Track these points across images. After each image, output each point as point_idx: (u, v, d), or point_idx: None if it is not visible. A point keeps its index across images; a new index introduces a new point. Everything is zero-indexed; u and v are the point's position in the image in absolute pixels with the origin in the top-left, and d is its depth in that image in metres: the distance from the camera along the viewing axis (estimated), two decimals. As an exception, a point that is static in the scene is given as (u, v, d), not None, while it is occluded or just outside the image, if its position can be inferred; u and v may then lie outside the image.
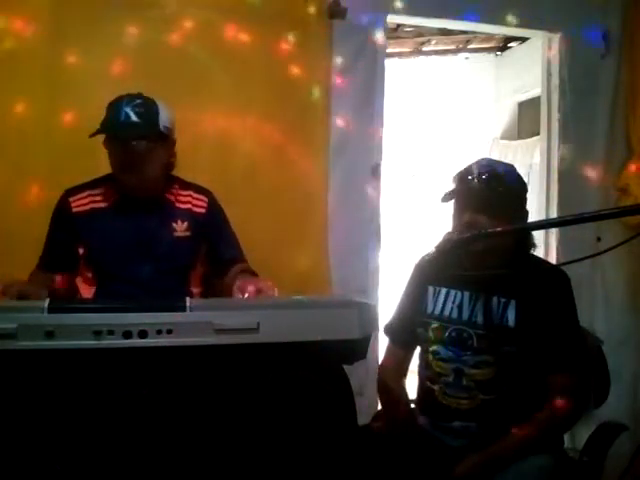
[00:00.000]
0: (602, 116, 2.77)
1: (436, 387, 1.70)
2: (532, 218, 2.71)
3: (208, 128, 2.26)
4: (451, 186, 1.70)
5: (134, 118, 1.73)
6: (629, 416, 2.42)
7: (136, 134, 1.75)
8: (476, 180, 1.64)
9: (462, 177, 1.68)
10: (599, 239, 2.60)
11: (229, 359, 1.27)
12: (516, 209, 1.68)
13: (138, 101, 1.75)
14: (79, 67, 2.17)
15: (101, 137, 1.80)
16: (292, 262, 2.32)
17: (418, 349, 1.83)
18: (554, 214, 2.78)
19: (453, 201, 1.70)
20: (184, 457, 1.28)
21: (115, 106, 1.75)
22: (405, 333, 1.83)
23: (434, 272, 1.77)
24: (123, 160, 1.77)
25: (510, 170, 1.71)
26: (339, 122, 2.44)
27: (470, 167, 1.68)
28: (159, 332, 1.24)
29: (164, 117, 1.80)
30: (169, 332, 1.24)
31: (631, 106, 2.77)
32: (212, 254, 1.92)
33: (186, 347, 1.25)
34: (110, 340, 1.22)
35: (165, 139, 1.82)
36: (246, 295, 1.61)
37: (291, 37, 2.37)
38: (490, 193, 1.62)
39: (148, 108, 1.76)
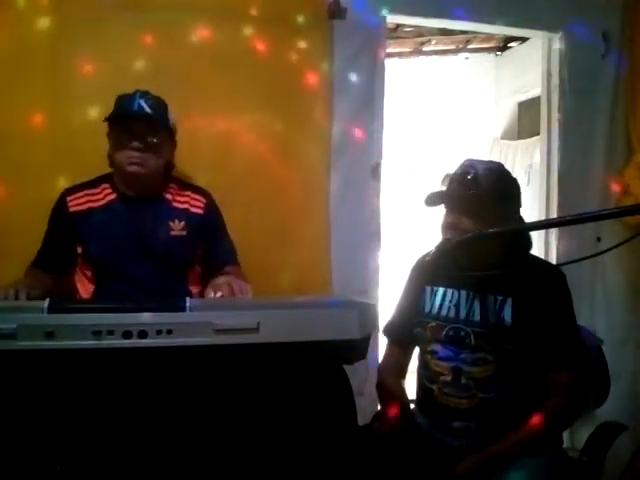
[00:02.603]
0: (602, 116, 2.76)
1: (435, 387, 1.70)
2: (532, 218, 2.74)
3: (208, 128, 2.26)
4: (438, 188, 1.72)
5: (148, 110, 1.77)
6: (629, 416, 2.42)
7: (149, 125, 1.79)
8: (455, 182, 1.66)
9: (445, 179, 1.70)
10: (599, 239, 2.60)
11: (229, 359, 1.27)
12: (499, 209, 1.64)
13: (150, 96, 1.81)
14: (82, 68, 2.16)
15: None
16: (292, 262, 2.32)
17: (417, 350, 1.83)
18: (554, 214, 2.78)
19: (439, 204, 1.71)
20: (184, 457, 1.28)
21: (128, 98, 1.79)
22: (404, 333, 1.83)
23: (431, 272, 1.77)
24: (128, 147, 1.78)
25: (495, 169, 1.70)
26: (339, 122, 2.44)
27: (454, 169, 1.70)
28: (159, 332, 1.24)
29: (172, 114, 1.86)
30: (169, 332, 1.24)
31: (631, 106, 2.77)
32: (206, 255, 1.92)
33: (186, 347, 1.25)
34: (110, 340, 1.22)
35: (172, 136, 1.87)
36: (219, 294, 1.60)
37: (291, 37, 2.37)
38: (465, 194, 1.63)
39: (159, 102, 1.82)
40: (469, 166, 1.68)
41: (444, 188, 1.71)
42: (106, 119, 1.79)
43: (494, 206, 1.63)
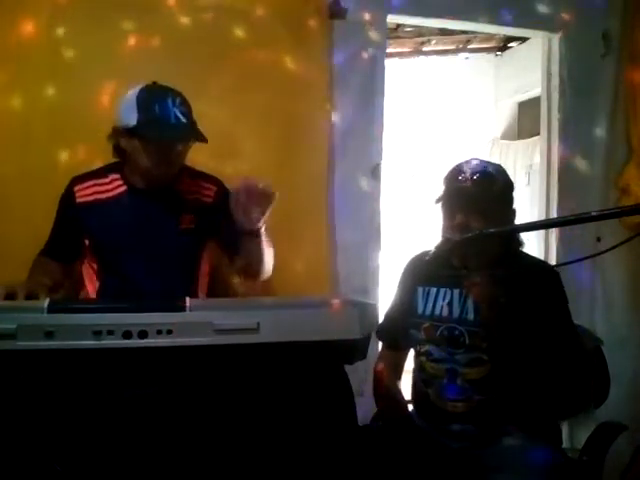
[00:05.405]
0: (602, 116, 2.76)
1: (430, 390, 1.69)
2: (532, 218, 2.74)
3: (208, 128, 2.25)
4: (442, 187, 1.70)
5: (183, 120, 1.70)
6: (629, 416, 2.42)
7: (187, 136, 1.74)
8: (468, 181, 1.63)
9: (453, 178, 1.67)
10: (599, 239, 2.60)
11: (229, 359, 1.27)
12: (506, 208, 1.68)
13: (179, 99, 1.72)
14: (82, 66, 2.17)
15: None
16: (292, 262, 2.32)
17: (413, 352, 1.82)
18: (554, 214, 2.78)
19: (442, 202, 1.69)
20: (184, 457, 1.28)
21: (161, 106, 1.69)
22: (397, 335, 1.82)
23: (423, 273, 1.77)
24: (161, 160, 1.74)
25: (500, 170, 1.71)
26: (339, 122, 2.44)
27: (460, 167, 1.67)
28: (159, 332, 1.23)
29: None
30: (169, 332, 1.24)
31: (631, 106, 2.77)
32: (223, 243, 1.87)
33: (186, 347, 1.25)
34: (110, 340, 1.22)
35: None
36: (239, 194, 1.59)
37: (291, 37, 2.37)
38: (482, 194, 1.62)
39: (188, 106, 1.74)
40: (479, 165, 1.67)
41: (445, 187, 1.69)
42: (153, 140, 1.70)
43: (503, 205, 1.66)
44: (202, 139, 1.74)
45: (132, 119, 1.69)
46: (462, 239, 1.56)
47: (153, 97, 1.70)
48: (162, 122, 1.68)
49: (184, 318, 1.26)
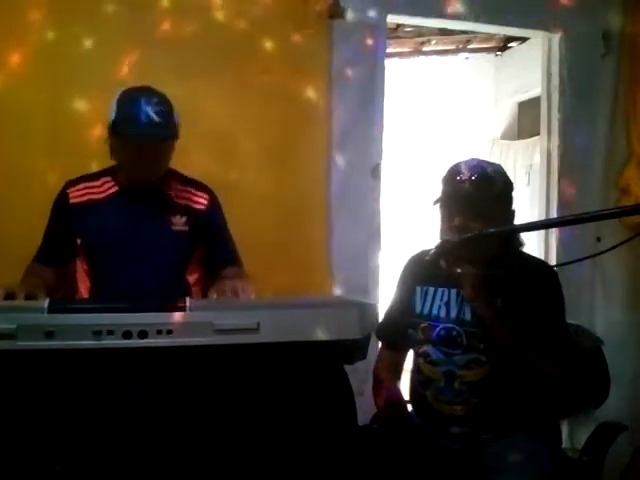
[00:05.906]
0: (602, 116, 2.77)
1: (428, 393, 1.68)
2: (532, 218, 2.74)
3: (207, 128, 2.26)
4: (440, 187, 1.68)
5: (155, 119, 1.70)
6: (629, 416, 2.42)
7: (158, 136, 1.73)
8: (466, 182, 1.61)
9: (451, 179, 1.65)
10: (599, 239, 2.60)
11: (229, 359, 1.27)
12: (505, 209, 1.66)
13: (155, 99, 1.72)
14: (80, 68, 2.18)
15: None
16: (292, 262, 2.32)
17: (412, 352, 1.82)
18: (554, 214, 2.78)
19: (440, 203, 1.67)
20: (184, 457, 1.28)
21: (134, 105, 1.70)
22: (396, 335, 1.82)
23: (421, 272, 1.76)
24: (138, 159, 1.75)
25: (499, 170, 1.68)
26: (339, 122, 2.44)
27: (459, 168, 1.65)
28: (159, 332, 1.24)
29: (175, 114, 1.77)
30: (169, 332, 1.24)
31: (631, 106, 2.77)
32: (208, 254, 1.89)
33: (186, 347, 1.25)
34: (110, 340, 1.22)
35: (177, 136, 1.78)
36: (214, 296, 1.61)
37: (291, 37, 2.37)
38: (482, 197, 1.59)
39: (165, 107, 1.73)
40: (478, 167, 1.64)
41: (443, 188, 1.68)
42: (114, 137, 1.73)
43: (502, 206, 1.65)
44: (170, 138, 1.74)
45: (112, 117, 1.74)
46: (461, 239, 1.56)
47: (128, 96, 1.74)
48: (132, 119, 1.70)
49: (184, 318, 1.27)
